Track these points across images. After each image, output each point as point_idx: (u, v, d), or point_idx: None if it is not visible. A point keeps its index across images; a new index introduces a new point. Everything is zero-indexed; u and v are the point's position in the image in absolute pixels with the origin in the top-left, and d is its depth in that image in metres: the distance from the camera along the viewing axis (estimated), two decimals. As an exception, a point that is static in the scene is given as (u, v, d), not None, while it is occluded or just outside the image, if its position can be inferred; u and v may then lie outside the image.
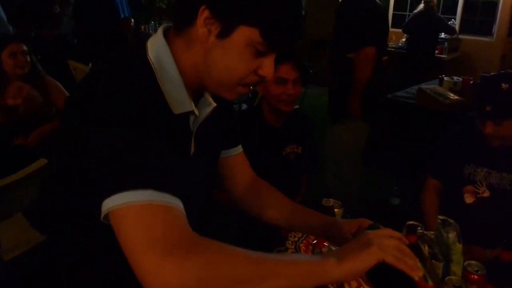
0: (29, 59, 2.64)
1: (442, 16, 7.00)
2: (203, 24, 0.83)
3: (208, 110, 0.98)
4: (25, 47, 2.63)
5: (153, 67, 0.87)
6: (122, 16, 5.56)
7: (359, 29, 2.77)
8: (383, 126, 3.49)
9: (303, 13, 0.86)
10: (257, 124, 1.97)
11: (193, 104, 0.92)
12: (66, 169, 0.91)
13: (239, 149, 1.26)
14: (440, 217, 1.42)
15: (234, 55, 0.84)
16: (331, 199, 1.58)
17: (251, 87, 0.93)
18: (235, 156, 1.25)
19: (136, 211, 0.70)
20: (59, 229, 1.00)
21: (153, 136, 0.78)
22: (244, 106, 4.69)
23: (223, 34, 0.83)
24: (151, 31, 8.05)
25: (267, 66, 0.88)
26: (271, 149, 1.96)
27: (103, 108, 0.78)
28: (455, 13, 7.38)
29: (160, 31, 0.92)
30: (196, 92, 0.96)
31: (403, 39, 6.78)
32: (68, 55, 4.19)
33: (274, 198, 1.28)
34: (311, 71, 5.59)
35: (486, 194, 1.84)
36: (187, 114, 0.94)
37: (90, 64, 4.19)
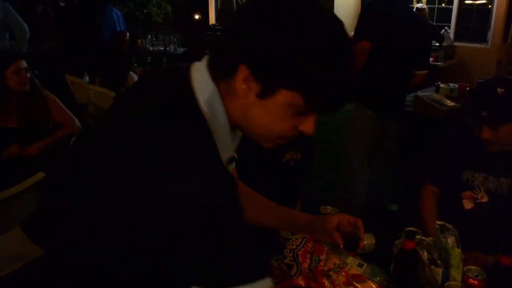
0: (29, 75, 2.65)
1: (436, 24, 7.08)
2: (242, 81, 0.80)
3: (236, 143, 0.98)
4: (25, 63, 2.65)
5: (207, 120, 0.82)
6: (118, 29, 5.62)
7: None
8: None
9: (351, 76, 0.82)
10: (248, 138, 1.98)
11: (233, 149, 0.92)
12: (91, 204, 0.88)
13: (232, 166, 1.20)
14: (439, 222, 1.42)
15: (274, 115, 0.82)
16: (329, 206, 1.58)
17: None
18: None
19: None
20: (58, 244, 0.99)
21: (231, 203, 0.78)
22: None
23: (263, 94, 0.80)
24: (147, 45, 8.11)
25: (308, 124, 0.86)
26: (270, 156, 1.97)
27: (167, 174, 0.75)
28: (449, 21, 7.44)
29: (205, 70, 0.86)
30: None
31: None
32: (64, 69, 4.21)
33: (253, 200, 1.33)
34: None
35: (485, 199, 1.83)
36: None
37: (87, 77, 4.21)
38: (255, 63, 0.78)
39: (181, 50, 7.78)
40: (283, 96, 0.79)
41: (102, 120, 0.99)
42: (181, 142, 0.77)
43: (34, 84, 2.71)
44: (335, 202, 1.71)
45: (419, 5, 6.54)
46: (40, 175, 2.07)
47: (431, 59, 6.32)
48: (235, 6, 8.16)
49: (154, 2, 7.93)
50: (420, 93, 3.78)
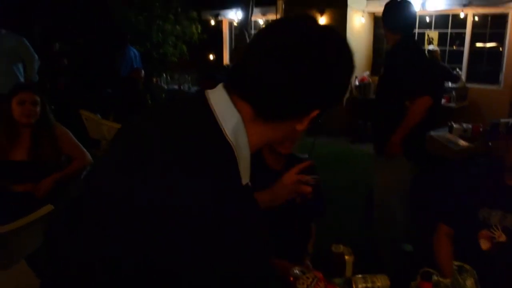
0: (38, 109, 2.67)
1: (448, 65, 7.13)
2: (307, 119, 0.90)
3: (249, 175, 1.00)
4: (37, 98, 2.68)
5: (234, 151, 0.83)
6: (135, 66, 5.80)
7: (416, 78, 2.78)
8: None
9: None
10: (258, 167, 1.95)
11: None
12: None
13: None
14: (456, 263, 1.36)
15: (299, 131, 0.92)
16: (341, 245, 1.53)
17: None
18: None
19: None
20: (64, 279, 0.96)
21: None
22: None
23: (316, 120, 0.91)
24: (162, 83, 8.27)
25: (305, 126, 0.93)
26: None
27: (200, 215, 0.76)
28: (461, 63, 7.49)
29: (227, 99, 0.86)
30: None
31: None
32: (80, 105, 4.29)
33: None
34: (319, 121, 5.64)
35: (503, 238, 1.77)
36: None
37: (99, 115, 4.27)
38: (327, 105, 0.90)
39: (194, 89, 7.91)
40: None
41: (112, 152, 0.95)
42: (212, 189, 0.78)
43: (47, 118, 2.73)
44: (347, 240, 1.66)
45: (430, 47, 6.61)
46: (49, 207, 2.06)
47: (443, 100, 6.36)
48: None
49: (170, 42, 8.14)
50: (433, 133, 3.75)
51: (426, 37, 7.82)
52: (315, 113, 0.88)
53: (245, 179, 0.88)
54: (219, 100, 0.86)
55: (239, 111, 0.85)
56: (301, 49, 0.83)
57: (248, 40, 8.25)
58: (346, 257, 1.57)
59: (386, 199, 2.90)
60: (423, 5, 7.48)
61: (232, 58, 9.75)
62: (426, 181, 3.33)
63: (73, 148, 2.77)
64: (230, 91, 0.87)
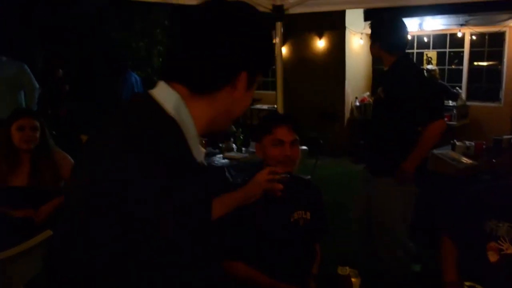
0: (38, 135, 2.66)
1: (447, 84, 7.16)
2: (240, 85, 0.93)
3: (203, 156, 1.02)
4: (36, 123, 2.67)
5: (177, 122, 0.89)
6: (136, 91, 5.86)
7: (429, 102, 2.68)
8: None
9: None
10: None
11: (203, 154, 0.98)
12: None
13: None
14: (467, 283, 1.32)
15: (247, 96, 0.97)
16: (347, 267, 1.49)
17: None
18: None
19: None
20: None
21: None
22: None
23: (250, 86, 0.96)
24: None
25: (252, 93, 1.00)
26: (278, 215, 1.90)
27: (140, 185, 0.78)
28: (460, 81, 7.52)
29: (167, 87, 0.93)
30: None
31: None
32: (82, 130, 4.29)
33: None
34: (321, 141, 5.63)
35: (510, 250, 1.74)
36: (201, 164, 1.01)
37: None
38: (254, 65, 0.95)
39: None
40: (256, 79, 0.96)
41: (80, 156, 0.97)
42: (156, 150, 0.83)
43: (46, 144, 2.71)
44: (351, 260, 1.62)
45: (429, 66, 6.65)
46: (48, 233, 2.02)
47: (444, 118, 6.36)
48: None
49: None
50: (436, 151, 3.73)
51: (424, 56, 7.88)
52: (243, 76, 0.92)
53: (196, 155, 0.93)
54: (158, 88, 0.94)
55: (178, 92, 0.92)
56: (206, 19, 0.94)
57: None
58: (353, 279, 1.52)
59: (387, 221, 2.80)
60: (420, 25, 7.56)
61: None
62: (430, 198, 3.29)
63: (73, 173, 2.75)
64: (168, 82, 0.94)
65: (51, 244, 0.94)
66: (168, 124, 0.88)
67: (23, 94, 4.72)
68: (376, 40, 2.78)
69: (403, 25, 2.79)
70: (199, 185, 0.92)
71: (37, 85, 4.78)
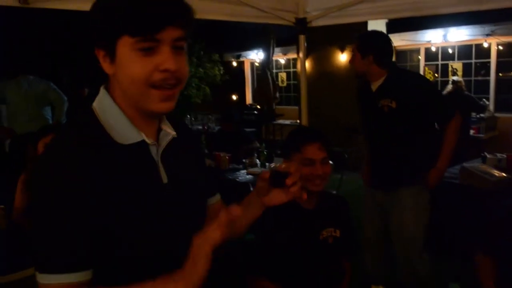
0: None
1: (474, 96, 6.99)
2: (103, 61, 0.97)
3: (167, 139, 1.06)
4: None
5: (95, 112, 1.00)
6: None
7: (442, 102, 2.80)
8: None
9: None
10: (289, 207, 1.87)
11: (143, 134, 1.00)
12: None
13: (216, 198, 1.27)
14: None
15: (127, 65, 0.94)
16: (381, 286, 1.42)
17: (171, 91, 0.97)
18: (212, 205, 1.25)
19: None
20: None
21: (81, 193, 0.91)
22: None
23: (112, 56, 0.95)
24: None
25: (164, 59, 0.93)
26: (307, 233, 1.85)
27: (39, 169, 0.96)
28: (488, 93, 7.35)
29: (101, 87, 1.04)
30: (152, 126, 1.06)
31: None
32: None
33: None
34: (346, 156, 5.53)
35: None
36: (144, 146, 1.02)
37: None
38: (95, 41, 0.97)
39: (218, 128, 7.94)
40: (121, 47, 0.93)
41: None
42: (64, 138, 0.99)
43: None
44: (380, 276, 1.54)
45: (455, 77, 6.50)
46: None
47: (472, 131, 6.20)
48: (271, 86, 8.36)
49: (193, 85, 8.24)
50: (466, 165, 3.61)
51: (449, 68, 7.74)
52: (125, 40, 0.92)
53: (124, 139, 0.99)
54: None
55: (109, 91, 1.02)
56: None
57: (270, 79, 8.32)
58: (386, 298, 1.45)
59: (412, 232, 2.72)
60: (444, 36, 7.45)
61: (255, 97, 9.81)
62: (461, 213, 3.18)
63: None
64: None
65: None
66: (85, 115, 1.01)
67: (50, 110, 4.87)
68: (369, 53, 2.69)
69: (387, 36, 2.86)
70: (118, 163, 0.97)
71: (65, 98, 4.91)
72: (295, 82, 10.26)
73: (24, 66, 4.90)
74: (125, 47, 0.93)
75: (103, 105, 1.01)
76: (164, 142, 1.06)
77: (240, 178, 3.99)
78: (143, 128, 1.01)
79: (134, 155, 1.00)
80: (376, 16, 3.18)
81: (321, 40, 7.34)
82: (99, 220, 0.92)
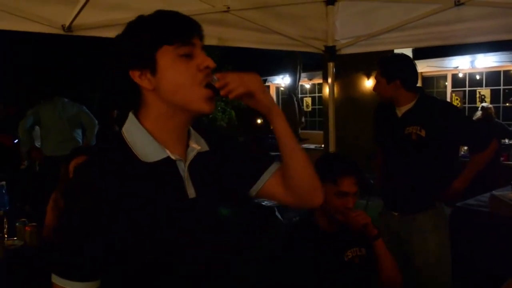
0: None
1: (503, 122, 6.89)
2: (141, 81, 1.02)
3: (193, 154, 1.10)
4: None
5: (123, 134, 1.06)
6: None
7: (479, 129, 2.72)
8: (456, 237, 3.22)
9: (177, 13, 1.02)
10: (311, 232, 1.89)
11: (167, 151, 1.05)
12: None
13: (273, 168, 1.24)
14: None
15: (172, 75, 1.01)
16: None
17: (217, 90, 1.04)
18: (272, 178, 1.23)
19: None
20: None
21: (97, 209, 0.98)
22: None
23: (153, 70, 1.01)
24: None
25: (202, 59, 1.02)
26: (331, 256, 1.85)
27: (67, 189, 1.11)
28: (517, 119, 7.24)
29: (130, 113, 1.10)
30: (181, 143, 1.10)
31: (465, 147, 6.62)
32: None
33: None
34: (371, 182, 5.48)
35: None
36: (169, 162, 1.06)
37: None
38: (131, 62, 1.02)
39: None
40: (161, 58, 1.00)
41: None
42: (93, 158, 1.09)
43: None
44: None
45: (484, 104, 6.44)
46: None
47: (501, 158, 6.08)
48: (297, 111, 8.41)
49: (219, 108, 8.38)
50: (495, 193, 3.54)
51: (477, 94, 7.66)
52: (165, 50, 1.00)
53: (148, 157, 1.04)
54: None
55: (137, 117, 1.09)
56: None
57: (296, 104, 8.38)
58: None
59: (438, 260, 2.62)
60: (472, 63, 7.41)
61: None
62: (492, 242, 3.12)
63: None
64: None
65: None
66: (114, 137, 1.09)
67: (81, 132, 5.03)
68: (395, 77, 2.58)
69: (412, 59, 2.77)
70: (144, 180, 1.02)
71: (96, 121, 5.08)
72: (320, 107, 10.30)
73: (58, 89, 5.10)
74: (166, 56, 1.00)
75: (131, 128, 1.07)
76: (190, 157, 1.09)
77: (265, 202, 4.01)
78: (171, 146, 1.06)
79: (160, 172, 1.04)
80: (405, 44, 3.21)
81: (347, 66, 7.38)
82: (121, 235, 0.98)
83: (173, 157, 1.05)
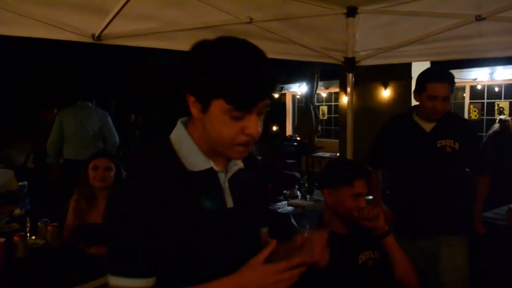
0: (112, 175, 2.82)
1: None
2: (192, 107, 1.06)
3: (235, 169, 1.18)
4: (111, 164, 2.84)
5: (171, 142, 1.14)
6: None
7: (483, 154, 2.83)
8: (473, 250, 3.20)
9: (260, 76, 1.01)
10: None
11: (211, 162, 1.12)
12: None
13: (264, 230, 1.41)
14: None
15: (217, 123, 1.04)
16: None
17: (249, 147, 1.09)
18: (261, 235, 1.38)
19: None
20: None
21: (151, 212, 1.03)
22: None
23: (204, 109, 1.04)
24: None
25: (250, 126, 1.04)
26: (344, 258, 1.87)
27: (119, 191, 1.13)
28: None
29: (178, 121, 1.17)
30: (222, 157, 1.15)
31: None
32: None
33: None
34: (387, 192, 5.47)
35: None
36: (212, 173, 1.13)
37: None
38: (191, 88, 1.05)
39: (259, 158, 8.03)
40: (216, 106, 1.02)
41: None
42: (143, 166, 1.13)
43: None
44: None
45: (502, 116, 6.37)
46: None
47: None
48: (313, 119, 8.44)
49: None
50: (513, 206, 3.52)
51: (496, 107, 7.60)
52: (190, 99, 1.05)
53: (194, 166, 1.11)
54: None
55: (186, 125, 1.15)
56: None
57: (313, 113, 8.40)
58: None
59: (463, 282, 2.62)
60: (491, 75, 7.35)
61: (297, 129, 9.88)
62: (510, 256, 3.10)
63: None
64: None
65: None
66: (163, 145, 1.15)
67: (103, 142, 5.01)
68: (451, 86, 2.53)
69: None
70: (188, 188, 1.09)
71: (118, 140, 5.06)
72: (336, 115, 10.29)
73: (81, 94, 5.06)
74: (219, 108, 1.02)
75: (179, 136, 1.14)
76: (232, 170, 1.17)
77: (281, 208, 4.03)
78: (214, 158, 1.13)
79: (203, 181, 1.12)
80: (425, 57, 3.21)
81: (365, 76, 7.39)
82: (167, 237, 1.04)
83: (216, 168, 1.13)
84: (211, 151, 1.12)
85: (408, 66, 7.36)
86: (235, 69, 0.99)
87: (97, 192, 2.81)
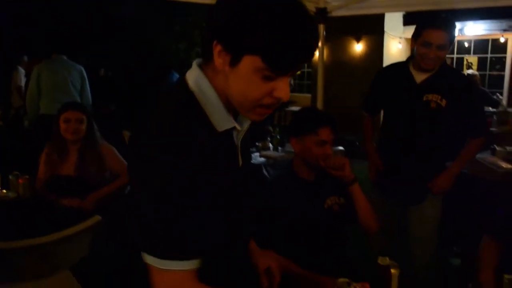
0: (84, 127, 2.79)
1: (488, 90, 7.00)
2: (218, 56, 0.94)
3: (247, 124, 1.09)
4: (83, 116, 2.80)
5: (195, 95, 1.00)
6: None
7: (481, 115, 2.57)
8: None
9: (305, 36, 0.90)
10: (290, 180, 2.02)
11: (234, 121, 1.02)
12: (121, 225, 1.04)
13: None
14: (507, 276, 1.32)
15: (245, 81, 0.94)
16: (387, 258, 1.51)
17: (270, 110, 1.00)
18: None
19: (161, 275, 0.94)
20: None
21: (194, 178, 0.93)
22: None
23: (233, 63, 0.93)
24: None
25: (281, 89, 0.95)
26: (311, 203, 1.95)
27: (153, 147, 0.95)
28: (502, 87, 7.35)
29: (194, 64, 1.04)
30: (234, 111, 1.05)
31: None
32: (122, 125, 4.44)
33: None
34: (357, 143, 5.59)
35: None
36: (230, 131, 1.05)
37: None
38: (222, 37, 0.92)
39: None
40: (248, 62, 0.91)
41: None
42: (171, 123, 0.97)
43: (93, 136, 2.83)
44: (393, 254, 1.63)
45: (470, 71, 6.53)
46: (96, 218, 2.12)
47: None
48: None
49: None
50: (476, 156, 3.66)
51: (465, 62, 7.74)
52: (217, 48, 0.93)
53: (223, 122, 1.01)
54: (190, 69, 1.05)
55: (199, 67, 1.02)
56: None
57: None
58: (392, 270, 1.54)
59: (430, 240, 2.61)
60: (461, 30, 7.43)
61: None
62: (470, 202, 3.24)
63: (118, 164, 2.86)
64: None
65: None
66: (187, 98, 1.00)
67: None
68: (454, 39, 2.41)
69: None
70: (215, 149, 0.99)
71: (91, 101, 4.82)
72: (309, 70, 10.29)
73: (55, 46, 4.76)
74: (251, 64, 0.91)
75: (202, 87, 1.00)
76: (243, 128, 1.08)
77: (253, 160, 4.08)
78: (232, 114, 1.03)
79: (225, 140, 1.04)
80: (396, 8, 3.24)
81: (337, 30, 7.37)
82: (213, 208, 0.98)
83: (238, 128, 1.04)
84: (228, 105, 1.02)
85: (381, 20, 7.37)
86: (282, 25, 0.87)
87: (69, 145, 2.78)
